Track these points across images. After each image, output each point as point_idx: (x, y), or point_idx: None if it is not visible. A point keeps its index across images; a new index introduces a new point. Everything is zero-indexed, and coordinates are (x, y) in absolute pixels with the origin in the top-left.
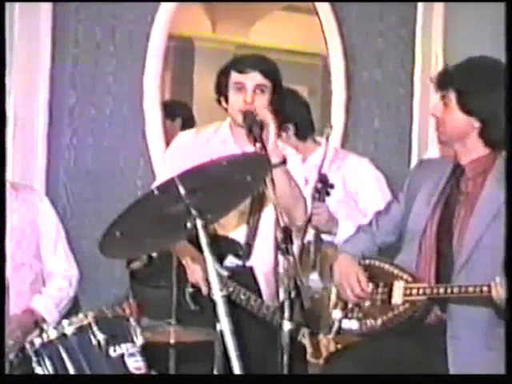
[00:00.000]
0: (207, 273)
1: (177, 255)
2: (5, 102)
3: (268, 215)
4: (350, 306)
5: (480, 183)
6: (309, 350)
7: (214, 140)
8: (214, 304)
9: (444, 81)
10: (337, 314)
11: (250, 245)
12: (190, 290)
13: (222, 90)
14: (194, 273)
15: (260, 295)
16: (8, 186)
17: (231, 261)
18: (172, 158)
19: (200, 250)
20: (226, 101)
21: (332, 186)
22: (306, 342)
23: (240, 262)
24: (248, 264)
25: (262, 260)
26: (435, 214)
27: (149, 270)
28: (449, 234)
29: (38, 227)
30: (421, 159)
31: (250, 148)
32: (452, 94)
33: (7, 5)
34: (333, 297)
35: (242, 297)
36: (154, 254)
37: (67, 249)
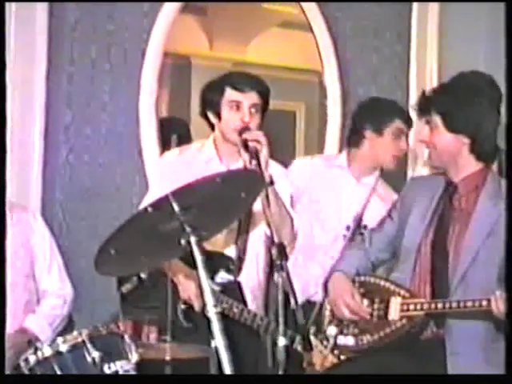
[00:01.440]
0: (201, 289)
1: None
2: (5, 111)
3: (256, 232)
4: (345, 322)
5: (473, 199)
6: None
7: (199, 159)
8: (207, 320)
9: (425, 106)
10: (332, 330)
11: (241, 259)
12: (183, 306)
13: (212, 105)
14: (187, 290)
15: None
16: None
17: (222, 276)
18: (157, 179)
19: (191, 266)
20: (218, 117)
21: (365, 227)
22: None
23: (231, 277)
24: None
25: (249, 276)
26: (429, 232)
27: (139, 291)
28: (444, 251)
29: (31, 247)
30: (412, 177)
31: (235, 165)
32: (436, 117)
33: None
34: (327, 314)
35: (235, 310)
36: (144, 276)
37: (61, 267)
